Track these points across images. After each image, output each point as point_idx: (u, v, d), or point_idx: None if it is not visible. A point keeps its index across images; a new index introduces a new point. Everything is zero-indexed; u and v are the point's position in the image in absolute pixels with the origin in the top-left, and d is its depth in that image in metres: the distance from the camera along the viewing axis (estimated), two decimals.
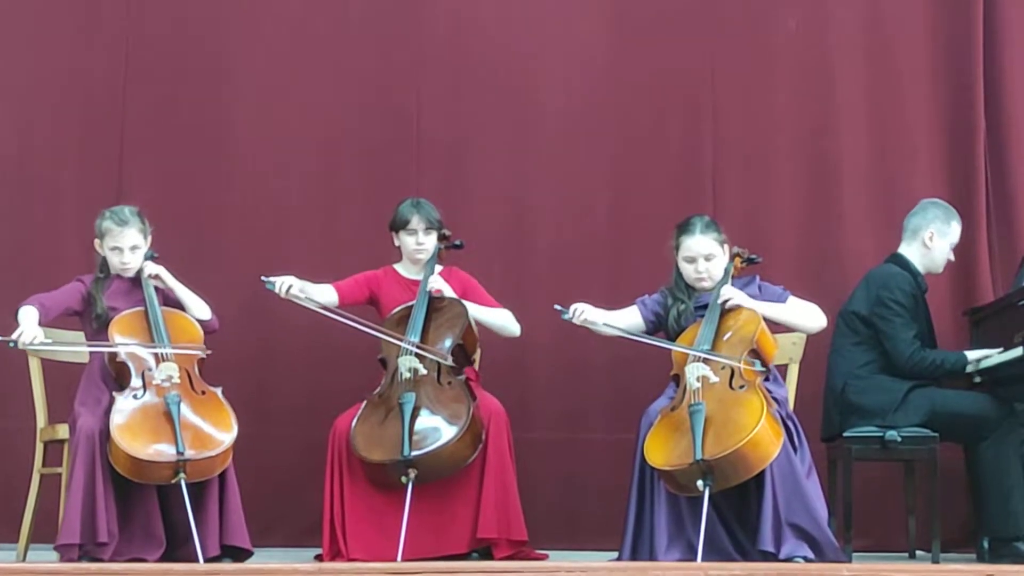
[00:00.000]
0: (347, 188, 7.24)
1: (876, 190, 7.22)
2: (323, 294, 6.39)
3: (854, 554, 6.39)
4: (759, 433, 5.70)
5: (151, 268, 6.19)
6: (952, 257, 6.69)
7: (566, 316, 6.16)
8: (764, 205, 7.23)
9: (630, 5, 7.35)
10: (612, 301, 6.96)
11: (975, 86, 7.22)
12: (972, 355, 6.51)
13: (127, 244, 6.17)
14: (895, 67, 7.29)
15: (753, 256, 6.39)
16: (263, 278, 6.25)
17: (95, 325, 6.14)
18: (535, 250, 7.25)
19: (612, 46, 7.31)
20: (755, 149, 7.30)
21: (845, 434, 6.41)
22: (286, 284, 6.24)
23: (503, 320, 6.50)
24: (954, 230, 6.65)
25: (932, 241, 6.61)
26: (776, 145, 7.30)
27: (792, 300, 6.29)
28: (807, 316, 6.27)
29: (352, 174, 7.25)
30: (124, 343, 6.01)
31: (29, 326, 5.97)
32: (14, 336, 5.93)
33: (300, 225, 7.19)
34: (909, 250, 6.64)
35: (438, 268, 6.45)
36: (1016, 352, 6.29)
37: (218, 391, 6.05)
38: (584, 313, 6.17)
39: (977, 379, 6.53)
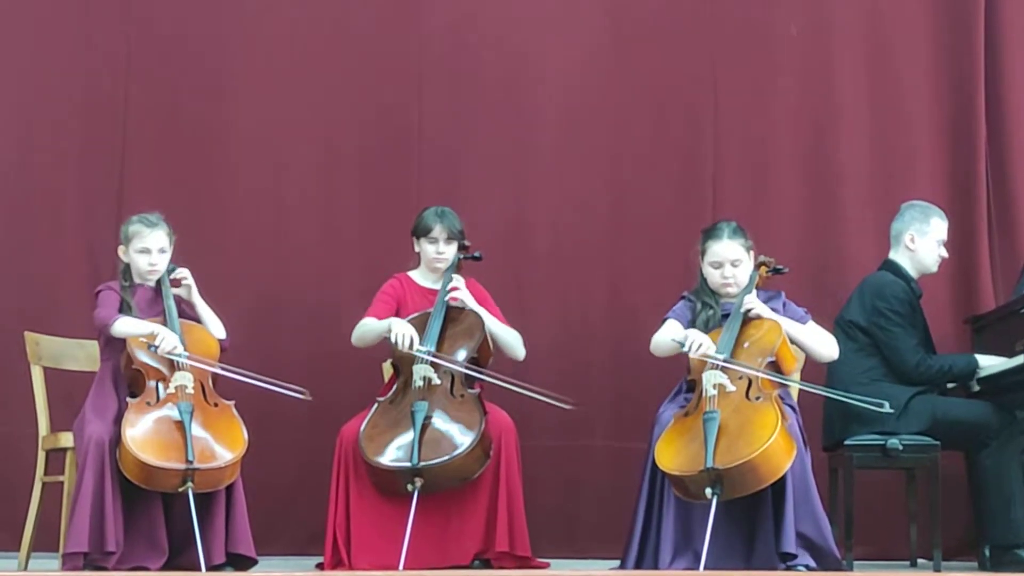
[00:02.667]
0: (348, 194, 7.21)
1: (877, 195, 7.22)
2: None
3: (855, 562, 6.38)
4: (772, 446, 5.67)
5: (182, 273, 6.18)
6: (945, 253, 6.65)
7: (684, 348, 6.02)
8: (765, 210, 7.22)
9: (630, 10, 7.34)
10: (612, 306, 7.00)
11: (976, 92, 7.23)
12: (984, 360, 6.50)
13: (156, 246, 6.14)
14: (896, 72, 7.30)
15: (780, 267, 6.36)
16: (389, 339, 6.17)
17: None
18: (535, 255, 7.24)
19: (613, 51, 7.31)
20: (756, 153, 7.31)
21: (846, 442, 6.40)
22: (406, 340, 6.15)
23: (513, 340, 6.47)
24: (935, 227, 6.62)
25: (914, 243, 6.60)
26: (777, 150, 7.30)
27: (812, 324, 6.26)
28: (823, 343, 6.23)
29: (353, 180, 7.23)
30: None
31: (169, 333, 5.93)
32: (157, 342, 5.89)
33: (301, 231, 7.17)
34: (898, 256, 6.64)
35: (455, 279, 6.41)
36: (1018, 360, 6.30)
37: (231, 404, 6.03)
38: (703, 348, 5.98)
39: (976, 388, 6.54)
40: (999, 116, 7.25)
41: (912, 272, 6.61)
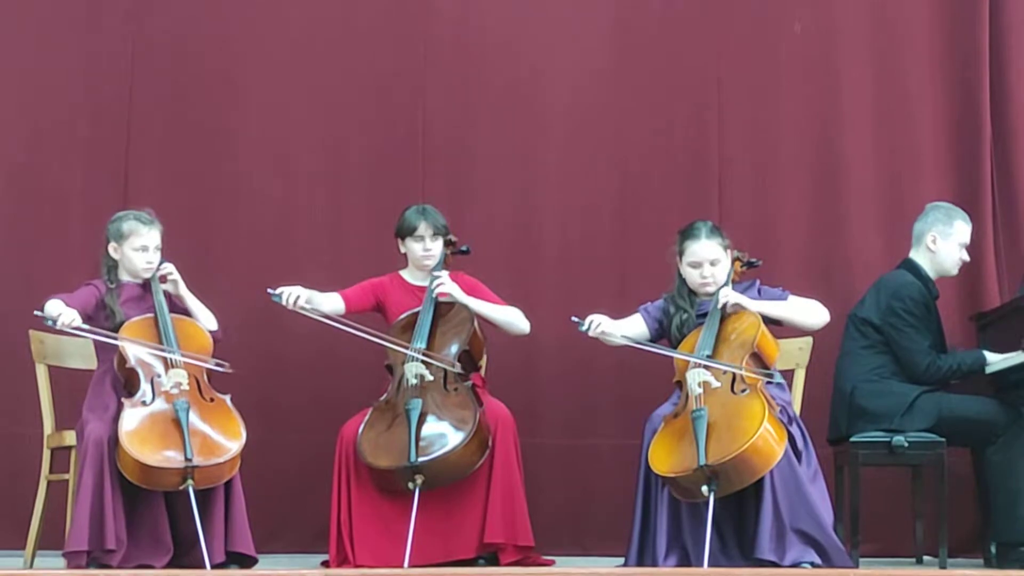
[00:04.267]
0: (354, 194, 7.24)
1: (883, 194, 7.22)
2: (330, 303, 6.38)
3: (861, 559, 6.37)
4: (762, 436, 5.70)
5: (167, 268, 6.18)
6: (966, 257, 6.64)
7: (583, 328, 6.14)
8: (771, 209, 7.23)
9: (635, 10, 7.35)
10: (619, 305, 6.95)
11: (981, 91, 7.21)
12: (992, 357, 6.47)
13: (153, 243, 6.15)
14: (901, 71, 7.29)
15: (753, 260, 6.37)
16: (269, 291, 6.24)
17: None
18: (541, 255, 7.25)
19: (618, 51, 7.32)
20: (761, 153, 7.30)
21: (852, 439, 6.39)
22: (293, 296, 6.22)
23: (512, 317, 6.46)
24: (959, 229, 6.61)
25: (936, 244, 6.59)
26: (782, 149, 7.29)
27: (792, 298, 6.27)
28: (809, 312, 6.24)
29: (359, 180, 7.25)
30: (134, 344, 5.98)
31: (67, 309, 5.91)
32: (54, 315, 5.88)
33: (306, 231, 7.20)
34: (918, 255, 6.62)
35: (444, 273, 6.43)
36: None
37: (227, 398, 6.04)
38: (601, 326, 6.16)
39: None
40: (1004, 114, 7.22)
41: (931, 273, 6.60)
